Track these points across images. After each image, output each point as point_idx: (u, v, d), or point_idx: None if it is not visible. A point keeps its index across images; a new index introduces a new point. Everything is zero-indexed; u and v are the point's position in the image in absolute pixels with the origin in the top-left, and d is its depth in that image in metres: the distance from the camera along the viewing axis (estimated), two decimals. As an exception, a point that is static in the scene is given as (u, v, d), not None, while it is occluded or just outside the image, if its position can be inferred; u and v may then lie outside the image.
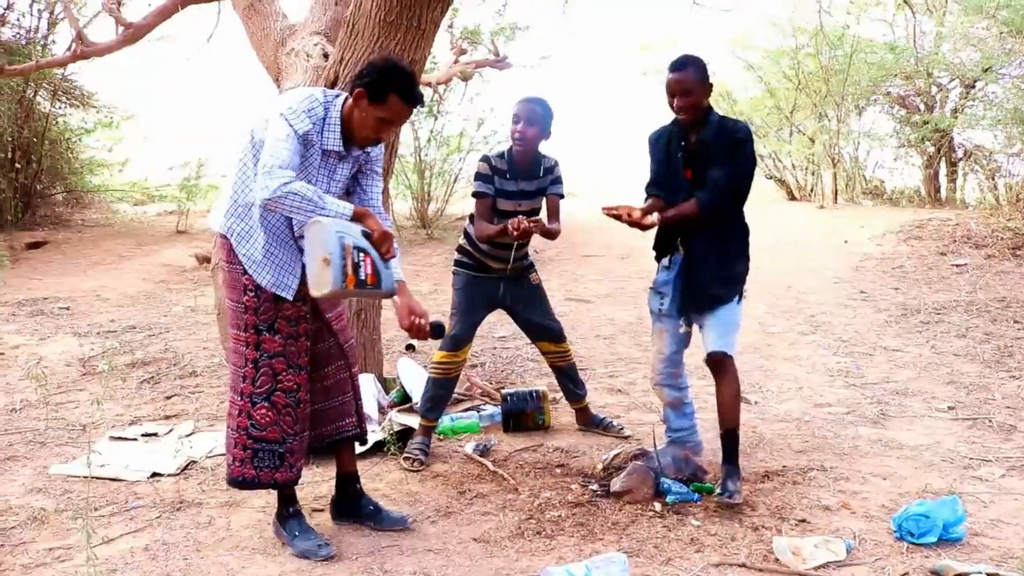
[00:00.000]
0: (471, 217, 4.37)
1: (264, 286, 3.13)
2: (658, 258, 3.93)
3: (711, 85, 3.73)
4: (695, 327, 3.90)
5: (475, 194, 4.29)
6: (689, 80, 3.63)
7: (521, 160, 4.25)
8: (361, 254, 2.98)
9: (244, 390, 3.18)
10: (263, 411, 3.17)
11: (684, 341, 3.94)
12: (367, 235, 3.03)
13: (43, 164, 12.85)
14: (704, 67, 3.70)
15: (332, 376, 3.42)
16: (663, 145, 3.85)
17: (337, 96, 3.15)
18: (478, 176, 4.26)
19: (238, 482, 3.25)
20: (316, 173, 3.14)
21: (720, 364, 3.75)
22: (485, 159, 4.29)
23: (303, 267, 3.15)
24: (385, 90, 3.03)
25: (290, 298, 3.17)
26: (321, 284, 2.98)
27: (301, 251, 3.16)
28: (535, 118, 4.17)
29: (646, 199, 3.92)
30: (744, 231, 3.84)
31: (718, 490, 3.60)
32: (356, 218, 3.02)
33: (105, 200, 14.41)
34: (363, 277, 2.98)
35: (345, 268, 2.93)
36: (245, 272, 3.13)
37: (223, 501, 3.72)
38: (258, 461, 3.19)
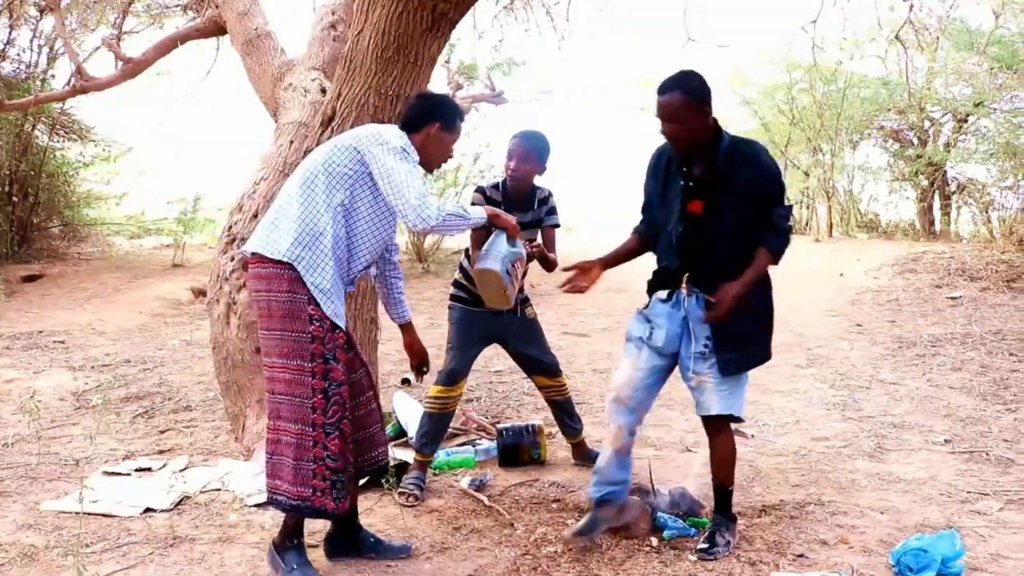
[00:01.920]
0: (467, 251, 4.39)
1: (328, 315, 3.13)
2: (652, 292, 3.60)
3: (707, 110, 3.29)
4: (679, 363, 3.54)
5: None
6: (674, 105, 3.24)
7: (516, 192, 4.28)
8: (515, 265, 3.66)
9: (316, 420, 3.10)
10: (336, 440, 3.12)
11: (663, 379, 3.60)
12: (510, 241, 3.62)
13: (40, 197, 12.91)
14: (698, 88, 3.27)
15: (365, 406, 3.41)
16: (663, 167, 3.51)
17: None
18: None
19: (320, 512, 3.15)
20: None
21: (719, 425, 3.49)
22: (480, 190, 4.32)
23: (347, 294, 3.31)
24: (456, 119, 3.44)
25: (343, 327, 3.19)
26: (504, 302, 3.76)
27: (350, 282, 3.33)
28: (529, 154, 4.20)
29: (635, 227, 3.70)
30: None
31: (701, 542, 3.45)
32: (491, 219, 3.45)
33: (101, 233, 14.43)
34: (520, 277, 3.76)
35: (514, 284, 3.68)
36: (311, 301, 3.11)
37: (216, 537, 3.69)
38: (336, 492, 3.13)
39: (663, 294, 3.53)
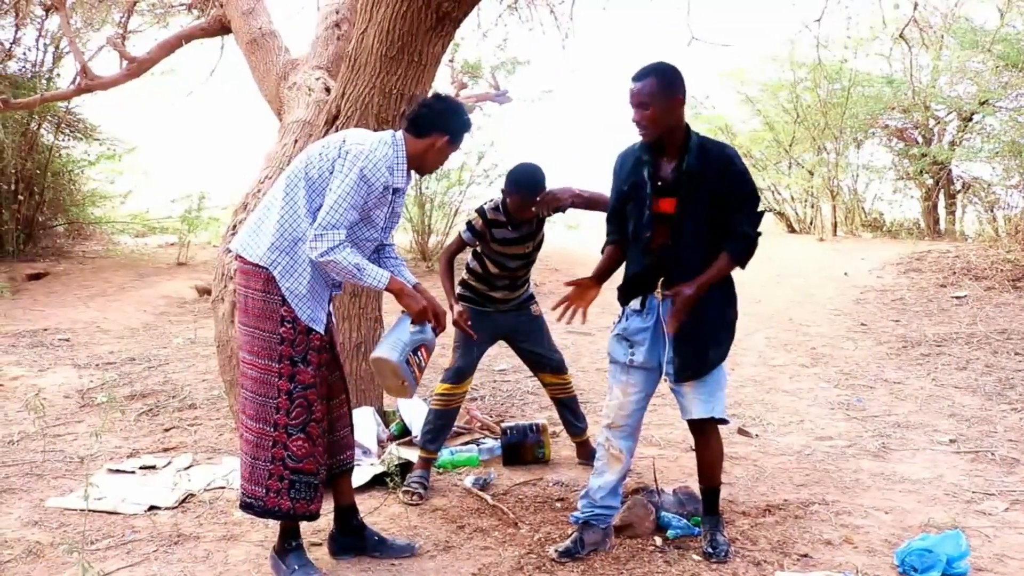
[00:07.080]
0: (474, 252, 4.39)
1: (302, 319, 3.15)
2: (626, 300, 3.51)
3: (681, 100, 3.25)
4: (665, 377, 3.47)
5: (461, 234, 4.33)
6: (649, 90, 3.17)
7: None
8: (417, 352, 3.33)
9: (279, 421, 3.14)
10: (299, 442, 3.15)
11: (652, 391, 3.53)
12: (408, 319, 3.32)
13: (45, 196, 12.93)
14: (672, 78, 3.21)
15: (338, 408, 3.43)
16: (629, 169, 3.40)
17: (397, 136, 3.27)
18: (469, 227, 4.28)
19: (273, 513, 3.19)
20: (385, 210, 3.26)
21: (706, 427, 3.46)
22: (482, 214, 4.27)
23: (329, 298, 3.27)
24: (462, 136, 3.39)
25: (321, 331, 3.20)
26: (404, 394, 3.44)
27: (336, 285, 3.31)
28: (530, 195, 4.08)
29: (607, 240, 3.61)
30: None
31: (706, 547, 3.42)
32: (391, 291, 3.23)
33: (106, 232, 14.44)
34: (424, 365, 3.40)
35: (415, 374, 3.35)
36: (284, 303, 3.13)
37: (221, 535, 3.69)
38: (295, 492, 3.16)
39: (636, 304, 3.45)
